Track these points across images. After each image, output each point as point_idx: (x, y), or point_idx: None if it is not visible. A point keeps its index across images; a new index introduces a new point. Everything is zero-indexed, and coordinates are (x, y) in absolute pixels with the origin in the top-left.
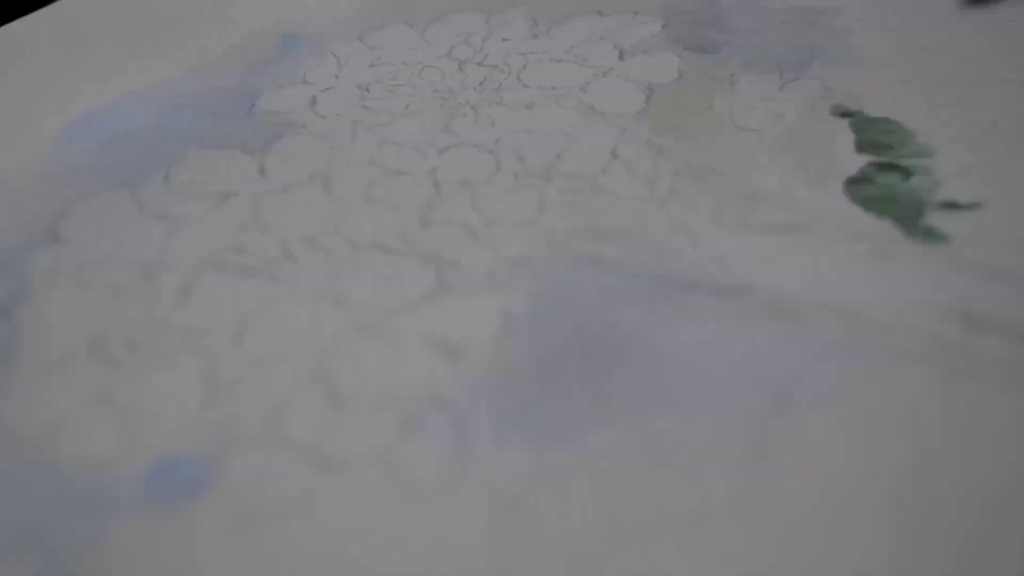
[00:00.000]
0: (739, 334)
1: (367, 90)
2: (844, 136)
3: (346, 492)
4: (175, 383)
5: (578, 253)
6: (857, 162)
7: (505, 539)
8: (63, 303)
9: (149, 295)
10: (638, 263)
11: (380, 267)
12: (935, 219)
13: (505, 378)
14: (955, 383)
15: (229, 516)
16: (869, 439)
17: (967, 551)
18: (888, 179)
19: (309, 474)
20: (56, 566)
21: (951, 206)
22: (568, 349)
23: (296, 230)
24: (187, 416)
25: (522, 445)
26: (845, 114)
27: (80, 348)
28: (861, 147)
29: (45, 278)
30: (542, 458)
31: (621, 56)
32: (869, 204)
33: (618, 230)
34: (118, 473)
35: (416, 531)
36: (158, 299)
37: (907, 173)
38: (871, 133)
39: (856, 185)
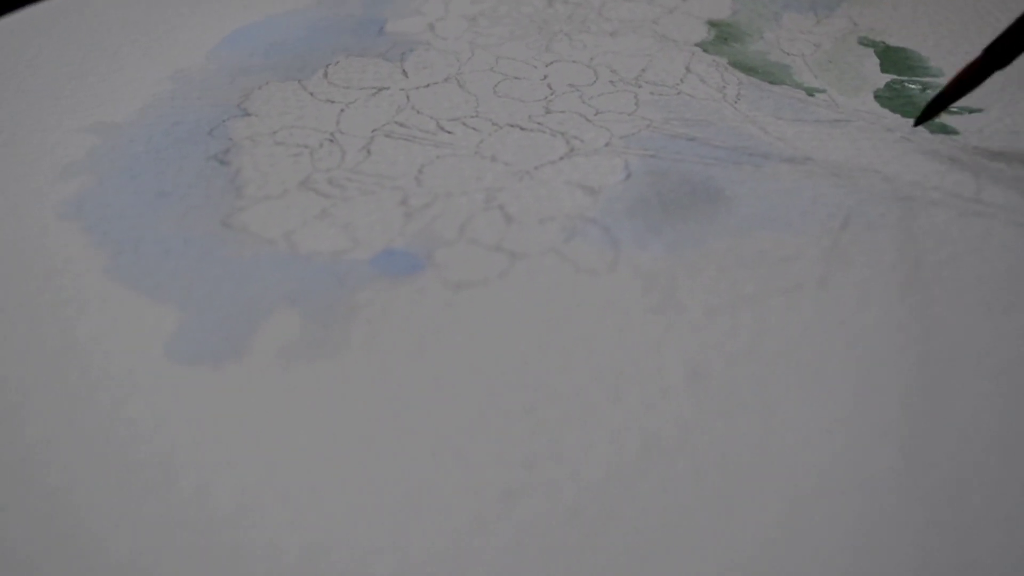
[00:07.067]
0: (807, 185)
1: (475, 20)
2: (870, 60)
3: (530, 271)
4: (378, 206)
5: (673, 133)
6: (883, 79)
7: (653, 299)
8: (268, 156)
9: (337, 153)
10: (721, 140)
11: (519, 138)
12: (946, 120)
13: (636, 207)
14: (971, 218)
15: (444, 285)
16: (912, 248)
17: (982, 321)
18: (908, 91)
19: (499, 261)
20: (314, 318)
21: (959, 110)
22: (679, 190)
23: (444, 113)
24: (394, 226)
25: (658, 245)
26: (870, 44)
27: (292, 184)
28: (884, 68)
29: (247, 139)
30: (674, 253)
31: None
32: (895, 108)
33: (701, 120)
34: (351, 259)
35: (585, 298)
36: (345, 155)
37: (923, 87)
38: (892, 59)
39: (883, 94)
